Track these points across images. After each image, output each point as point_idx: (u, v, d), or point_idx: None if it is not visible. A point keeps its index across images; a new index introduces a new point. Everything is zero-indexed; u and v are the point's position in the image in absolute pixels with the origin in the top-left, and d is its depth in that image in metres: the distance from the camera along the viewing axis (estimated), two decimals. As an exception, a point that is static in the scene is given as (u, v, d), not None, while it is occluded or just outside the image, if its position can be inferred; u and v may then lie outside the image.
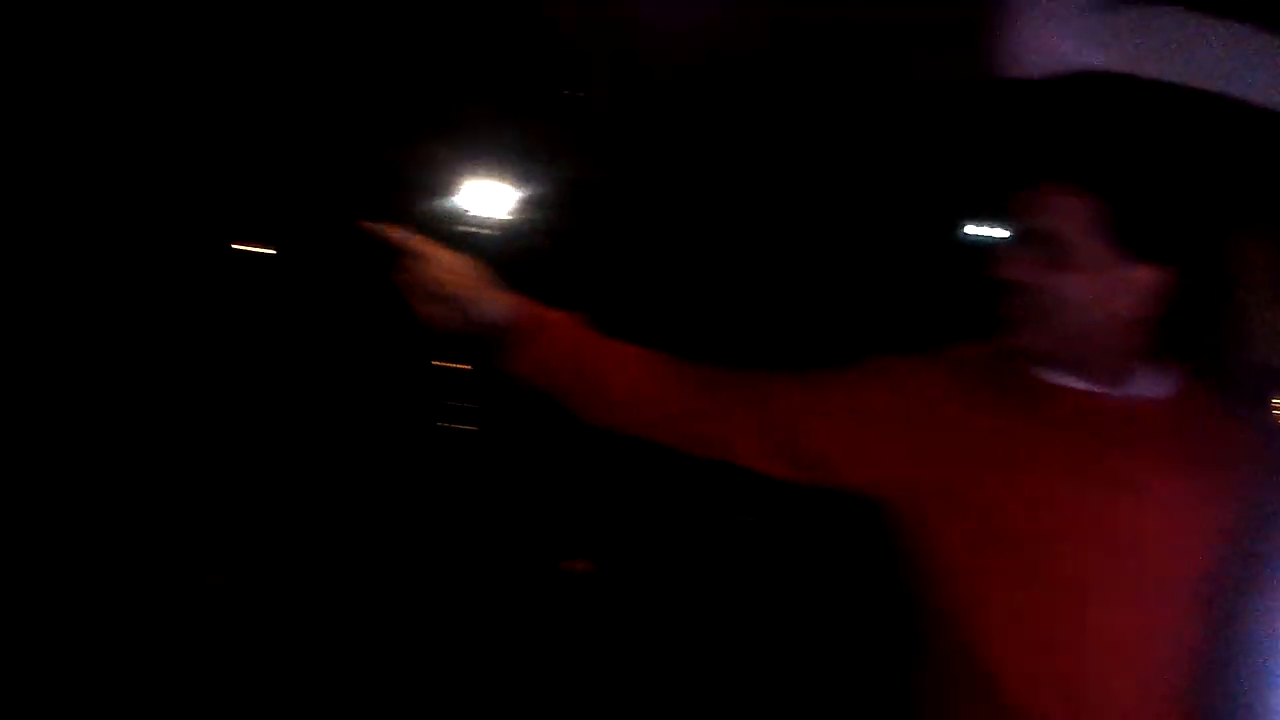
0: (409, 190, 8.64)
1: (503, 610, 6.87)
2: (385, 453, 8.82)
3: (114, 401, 8.22)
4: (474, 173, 8.67)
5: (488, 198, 8.78)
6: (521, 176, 8.51)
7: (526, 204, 8.75)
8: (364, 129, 8.21)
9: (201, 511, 7.43)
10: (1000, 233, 1.82)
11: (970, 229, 7.69)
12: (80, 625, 6.19)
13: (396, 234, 1.84)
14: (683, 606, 6.57)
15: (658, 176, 6.66)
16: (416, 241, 1.84)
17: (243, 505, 7.66)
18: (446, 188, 8.71)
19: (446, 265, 1.85)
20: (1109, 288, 1.75)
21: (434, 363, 9.75)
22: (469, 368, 9.67)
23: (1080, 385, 1.80)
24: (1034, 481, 1.73)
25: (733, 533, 7.48)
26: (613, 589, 7.13)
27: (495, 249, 9.34)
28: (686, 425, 1.86)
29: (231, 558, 7.09)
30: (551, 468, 8.82)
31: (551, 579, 7.47)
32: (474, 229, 8.93)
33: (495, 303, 1.87)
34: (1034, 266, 1.75)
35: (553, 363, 1.86)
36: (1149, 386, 1.83)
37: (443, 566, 7.46)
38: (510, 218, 8.91)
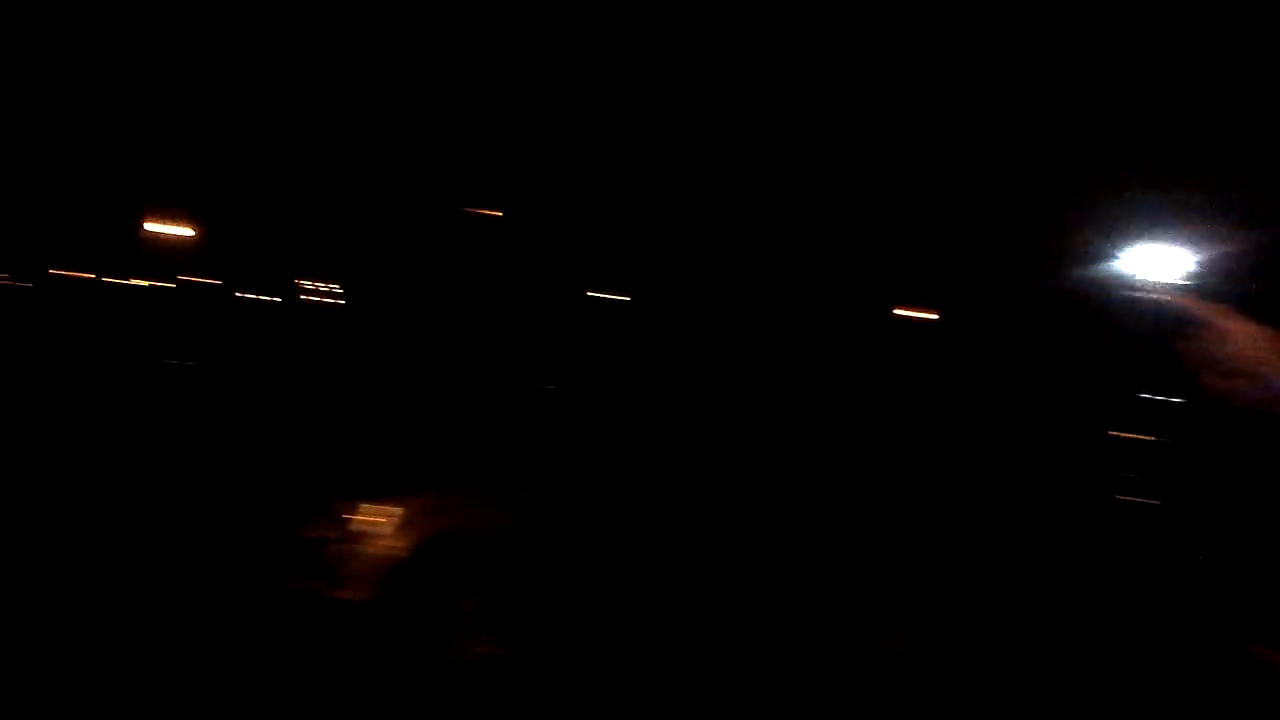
0: (1083, 252, 8.38)
1: (1183, 696, 6.50)
2: (1063, 525, 8.56)
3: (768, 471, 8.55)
4: (1151, 233, 8.22)
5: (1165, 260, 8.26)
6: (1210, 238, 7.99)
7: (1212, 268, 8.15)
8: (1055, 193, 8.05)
9: (887, 577, 7.55)
10: None
11: None
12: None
13: (1192, 304, 1.71)
14: None
15: None
16: (1214, 312, 1.71)
17: (928, 573, 7.69)
18: (1121, 248, 8.26)
19: (1246, 338, 1.69)
20: None
21: (1111, 433, 9.43)
22: (1151, 439, 9.29)
23: None
24: None
25: None
26: None
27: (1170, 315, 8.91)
28: None
29: (913, 623, 7.16)
30: (1237, 545, 8.20)
31: (1243, 665, 6.91)
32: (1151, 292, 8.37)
33: None
34: None
35: None
36: None
37: (1125, 644, 7.17)
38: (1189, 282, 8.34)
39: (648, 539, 7.63)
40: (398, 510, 7.25)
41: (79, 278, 18.48)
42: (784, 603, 7.29)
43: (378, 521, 7.29)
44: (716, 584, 7.41)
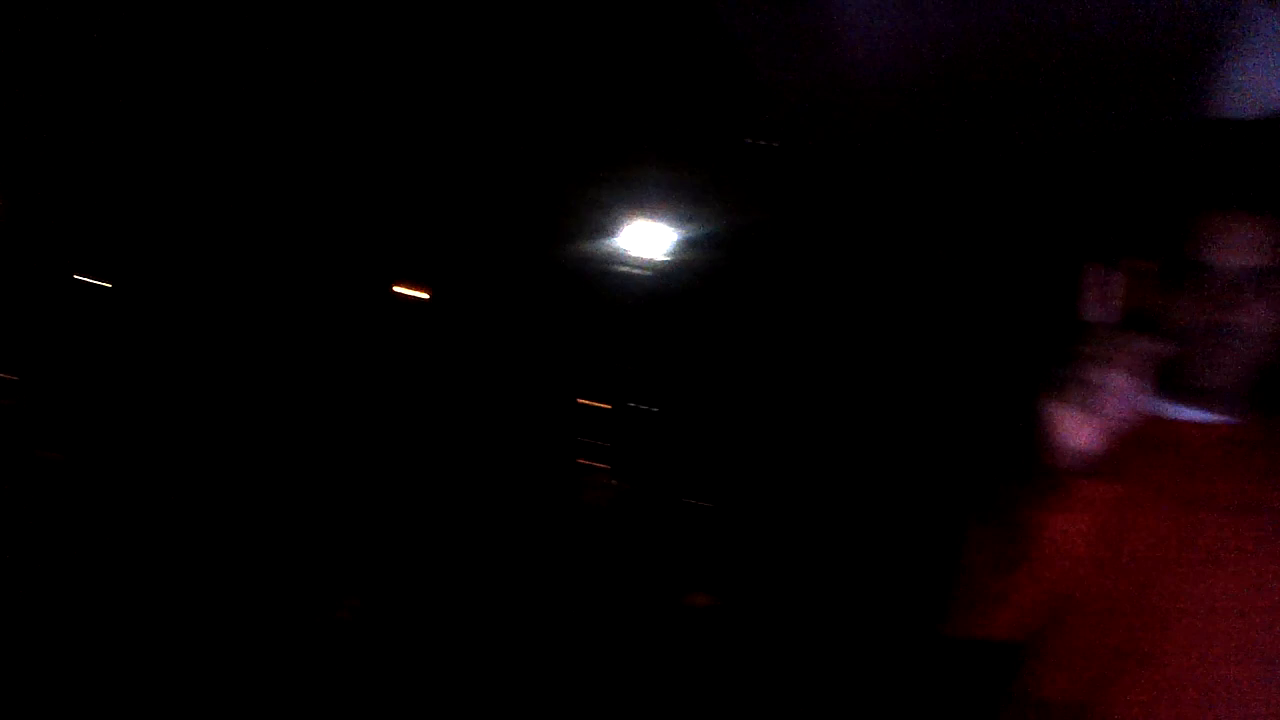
0: (571, 231, 8.57)
1: (627, 641, 7.03)
2: (528, 489, 8.91)
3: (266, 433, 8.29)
4: (643, 215, 8.54)
5: (654, 239, 8.66)
6: (690, 219, 8.39)
7: (692, 246, 8.63)
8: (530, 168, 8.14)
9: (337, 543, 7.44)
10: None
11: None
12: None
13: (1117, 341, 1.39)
14: (803, 640, 6.44)
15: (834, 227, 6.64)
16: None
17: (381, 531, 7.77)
18: (614, 229, 8.58)
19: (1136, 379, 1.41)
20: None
21: (579, 400, 9.78)
22: (608, 407, 9.76)
23: (1201, 417, 1.73)
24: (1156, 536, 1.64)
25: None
26: (734, 622, 7.13)
27: (656, 289, 9.31)
28: None
29: (362, 588, 7.09)
30: (676, 504, 8.80)
31: (675, 612, 7.59)
32: (635, 269, 8.82)
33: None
34: (1231, 302, 1.65)
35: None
36: (1240, 409, 1.76)
37: (573, 597, 7.64)
38: (675, 259, 8.74)
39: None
40: None
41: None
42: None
43: None
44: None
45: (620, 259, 8.96)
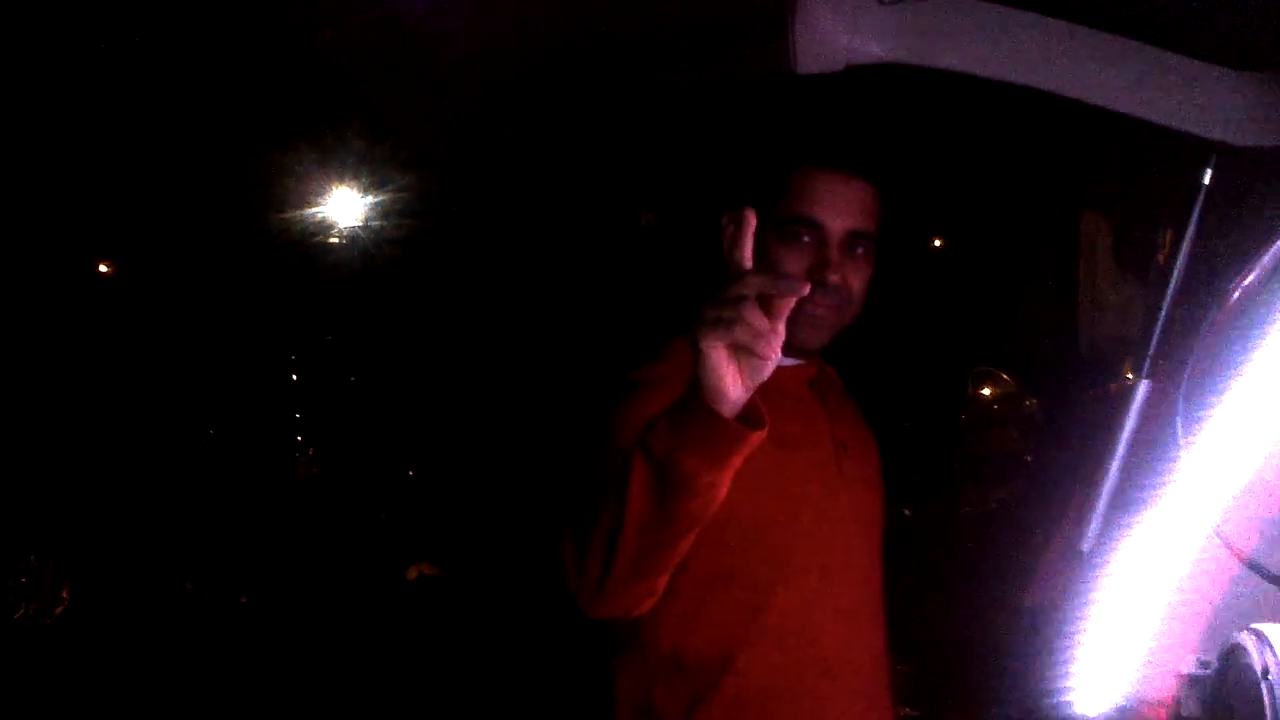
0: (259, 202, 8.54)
1: (351, 611, 6.93)
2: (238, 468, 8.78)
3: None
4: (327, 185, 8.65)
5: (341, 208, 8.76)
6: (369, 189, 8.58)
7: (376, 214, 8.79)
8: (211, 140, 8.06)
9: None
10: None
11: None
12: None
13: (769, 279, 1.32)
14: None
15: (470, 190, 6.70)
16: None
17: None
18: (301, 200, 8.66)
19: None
20: (871, 274, 1.83)
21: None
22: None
23: (786, 363, 1.81)
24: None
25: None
26: (456, 591, 7.16)
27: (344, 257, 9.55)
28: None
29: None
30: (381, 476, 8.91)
31: (397, 583, 7.51)
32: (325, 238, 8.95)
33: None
34: (847, 264, 1.77)
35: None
36: (810, 354, 1.90)
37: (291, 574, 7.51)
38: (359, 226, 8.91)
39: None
40: None
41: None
42: None
43: None
44: None
45: (316, 229, 9.00)
